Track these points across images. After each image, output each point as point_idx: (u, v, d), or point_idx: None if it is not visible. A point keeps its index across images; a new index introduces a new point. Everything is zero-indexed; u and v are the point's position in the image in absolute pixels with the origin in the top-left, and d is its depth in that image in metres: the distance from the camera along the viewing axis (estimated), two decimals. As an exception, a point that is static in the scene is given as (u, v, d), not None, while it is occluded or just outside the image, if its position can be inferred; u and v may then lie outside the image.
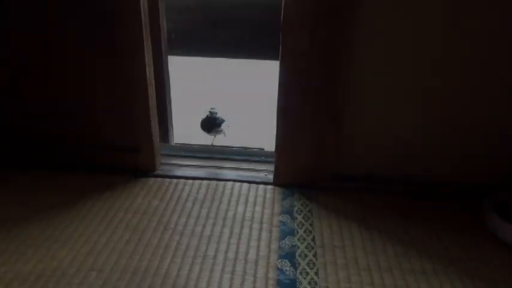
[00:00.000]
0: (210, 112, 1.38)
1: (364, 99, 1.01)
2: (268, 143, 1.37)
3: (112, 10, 0.96)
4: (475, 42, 0.93)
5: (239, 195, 1.05)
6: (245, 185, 1.09)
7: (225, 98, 1.88)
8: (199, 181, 1.10)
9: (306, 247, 0.87)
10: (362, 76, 0.98)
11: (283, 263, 0.82)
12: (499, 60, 0.94)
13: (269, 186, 1.09)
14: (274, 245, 0.87)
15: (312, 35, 0.93)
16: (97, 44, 1.01)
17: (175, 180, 1.10)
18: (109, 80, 1.04)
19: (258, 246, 0.87)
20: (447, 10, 0.90)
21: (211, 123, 1.37)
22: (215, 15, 1.28)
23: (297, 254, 0.85)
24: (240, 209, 0.99)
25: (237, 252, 0.85)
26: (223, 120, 1.40)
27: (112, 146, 1.12)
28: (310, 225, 0.94)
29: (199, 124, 1.39)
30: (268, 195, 1.05)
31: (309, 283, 0.78)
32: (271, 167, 1.14)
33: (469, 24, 0.91)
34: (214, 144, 1.42)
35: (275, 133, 1.06)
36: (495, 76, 0.96)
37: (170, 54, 1.25)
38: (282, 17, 0.93)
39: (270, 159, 1.20)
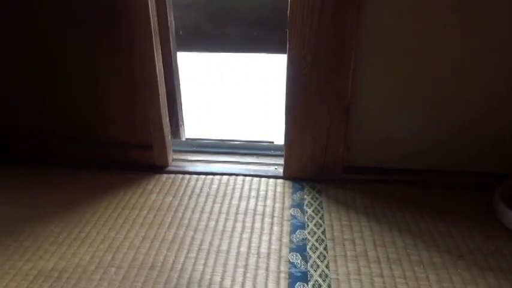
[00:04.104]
0: None
1: (373, 91, 1.01)
2: (278, 136, 1.39)
3: (120, 9, 0.98)
4: (486, 42, 0.92)
5: (250, 189, 1.07)
6: (256, 179, 1.11)
7: (234, 92, 1.89)
8: (211, 176, 1.12)
9: (317, 240, 0.89)
10: (371, 68, 0.98)
11: (294, 256, 0.85)
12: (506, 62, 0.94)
13: (279, 180, 1.11)
14: (285, 239, 0.90)
15: (319, 28, 0.93)
16: (106, 43, 1.03)
17: (187, 176, 1.13)
18: (119, 78, 1.06)
19: (270, 240, 0.89)
20: (460, 8, 0.90)
21: None
22: (223, 10, 1.28)
23: (308, 247, 0.87)
24: (252, 203, 1.02)
25: (249, 246, 0.88)
26: None
27: (125, 143, 1.15)
28: (320, 218, 0.96)
29: None
30: (278, 189, 1.07)
31: (320, 275, 0.80)
32: (281, 161, 1.16)
33: (480, 23, 0.91)
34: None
35: (284, 127, 1.07)
36: (504, 73, 0.96)
37: (178, 51, 1.26)
38: (288, 11, 0.94)
39: (279, 153, 1.22)
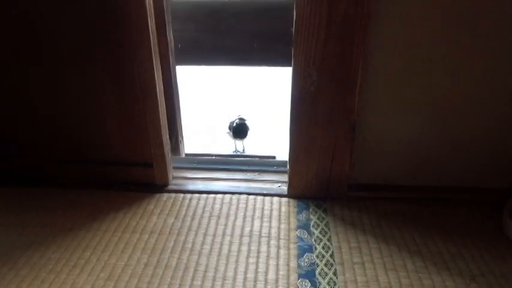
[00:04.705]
0: (240, 119, 1.57)
1: (378, 108, 0.99)
2: (279, 150, 1.37)
3: (120, 28, 0.95)
4: (492, 53, 0.91)
5: (254, 209, 1.04)
6: (259, 198, 1.09)
7: (235, 106, 1.86)
8: (213, 195, 1.09)
9: (326, 264, 0.86)
10: (376, 85, 0.97)
11: (303, 282, 0.82)
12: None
13: (284, 199, 1.08)
14: (293, 263, 0.87)
15: (325, 46, 0.91)
16: (105, 62, 0.99)
17: (189, 195, 1.09)
18: (119, 97, 1.03)
19: (277, 265, 0.86)
20: (463, 20, 0.88)
21: (243, 130, 1.56)
22: (222, 22, 1.25)
23: (317, 272, 0.85)
24: (256, 224, 0.99)
25: (256, 272, 0.85)
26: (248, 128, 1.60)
27: (125, 162, 1.12)
28: (328, 240, 0.93)
29: (231, 130, 1.58)
30: (283, 209, 1.04)
31: (331, 303, 0.78)
32: (284, 177, 1.13)
33: (486, 35, 0.89)
34: (238, 149, 1.62)
35: (288, 144, 1.05)
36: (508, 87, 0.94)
37: (177, 64, 1.23)
38: (293, 29, 0.92)
39: (282, 169, 1.19)
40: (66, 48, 0.98)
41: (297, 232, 0.96)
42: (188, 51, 1.27)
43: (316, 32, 0.89)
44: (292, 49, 0.92)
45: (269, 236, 0.95)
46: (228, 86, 1.98)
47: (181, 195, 1.10)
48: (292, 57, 0.94)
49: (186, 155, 1.32)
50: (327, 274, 0.84)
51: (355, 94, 0.95)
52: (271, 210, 1.04)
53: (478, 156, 1.03)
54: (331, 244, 0.92)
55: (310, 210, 1.04)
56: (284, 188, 1.11)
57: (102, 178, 1.13)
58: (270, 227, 0.98)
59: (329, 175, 1.06)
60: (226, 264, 0.87)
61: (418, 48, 0.92)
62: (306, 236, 0.95)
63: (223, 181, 1.16)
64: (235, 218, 1.01)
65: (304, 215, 1.02)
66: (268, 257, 0.89)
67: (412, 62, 0.94)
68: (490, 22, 0.88)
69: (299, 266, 0.86)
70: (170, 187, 1.13)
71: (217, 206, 1.05)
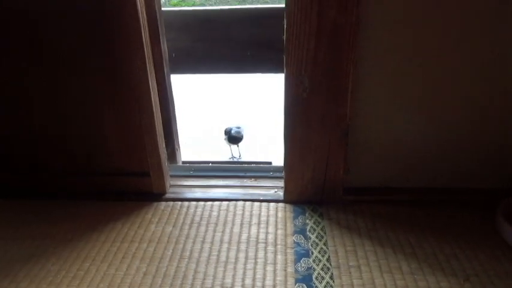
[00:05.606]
0: (237, 131, 1.66)
1: (370, 112, 1.01)
2: (274, 156, 1.38)
3: (113, 39, 0.96)
4: (483, 54, 0.93)
5: (251, 215, 1.06)
6: (256, 204, 1.10)
7: (231, 113, 1.88)
8: (210, 203, 1.10)
9: (322, 269, 0.88)
10: (368, 90, 0.98)
11: (300, 287, 0.83)
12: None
13: (280, 204, 1.09)
14: (290, 268, 0.88)
15: (316, 53, 0.92)
16: (100, 73, 1.01)
17: (186, 203, 1.11)
18: (115, 107, 1.04)
19: (275, 271, 0.88)
20: (452, 22, 0.90)
21: (238, 138, 1.65)
22: (215, 31, 1.27)
23: (314, 276, 0.86)
24: (253, 230, 1.00)
25: (254, 279, 0.86)
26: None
27: (122, 171, 1.13)
28: (324, 244, 0.95)
29: (227, 137, 1.65)
30: (279, 214, 1.06)
31: (328, 307, 0.79)
32: (281, 183, 1.15)
33: (476, 36, 0.91)
34: (235, 156, 1.67)
35: (283, 150, 1.06)
36: (503, 86, 0.96)
37: (172, 73, 1.25)
38: (284, 37, 0.93)
39: (278, 175, 1.20)
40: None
41: (293, 237, 0.97)
42: (182, 60, 1.28)
43: (307, 40, 0.91)
44: (284, 57, 0.94)
45: (266, 242, 0.96)
46: (223, 93, 1.99)
47: (179, 203, 1.11)
48: (284, 65, 0.95)
49: (183, 162, 1.34)
50: (323, 278, 0.85)
51: (347, 99, 0.97)
52: (268, 216, 1.05)
53: (471, 157, 1.05)
54: (328, 248, 0.93)
55: (306, 214, 1.05)
56: (280, 194, 1.12)
57: (100, 189, 1.14)
58: (266, 232, 0.99)
59: (324, 180, 1.07)
60: (224, 272, 0.88)
61: (408, 52, 0.94)
62: (302, 241, 0.96)
63: (220, 188, 1.17)
64: (233, 224, 1.02)
65: (300, 220, 1.03)
66: (265, 263, 0.90)
67: (403, 66, 0.95)
68: (480, 23, 0.90)
69: (296, 271, 0.87)
70: (167, 195, 1.14)
71: (214, 213, 1.07)
